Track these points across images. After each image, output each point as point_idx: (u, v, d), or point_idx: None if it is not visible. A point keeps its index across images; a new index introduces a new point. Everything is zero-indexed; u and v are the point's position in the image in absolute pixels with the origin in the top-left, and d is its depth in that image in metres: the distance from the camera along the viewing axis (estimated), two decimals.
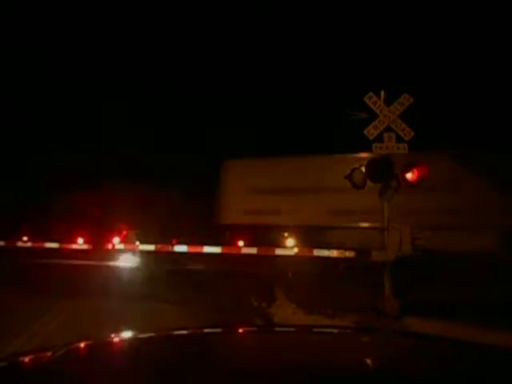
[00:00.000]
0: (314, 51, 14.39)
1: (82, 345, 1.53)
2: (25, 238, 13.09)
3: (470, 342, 1.75)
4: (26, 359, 1.44)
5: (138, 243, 12.33)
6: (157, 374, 1.18)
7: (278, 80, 14.55)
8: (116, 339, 1.68)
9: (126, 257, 12.13)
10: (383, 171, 7.13)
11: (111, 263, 11.94)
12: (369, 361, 1.41)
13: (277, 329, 2.39)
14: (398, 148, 7.18)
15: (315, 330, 2.11)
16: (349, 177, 7.36)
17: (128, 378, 1.17)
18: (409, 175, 7.02)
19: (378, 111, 7.26)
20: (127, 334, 1.74)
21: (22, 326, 5.66)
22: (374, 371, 1.28)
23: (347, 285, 8.25)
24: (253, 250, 11.13)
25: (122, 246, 12.37)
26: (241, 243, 11.64)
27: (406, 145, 7.18)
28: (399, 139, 7.21)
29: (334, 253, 10.59)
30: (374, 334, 1.99)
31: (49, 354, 1.40)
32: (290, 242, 11.50)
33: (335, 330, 2.08)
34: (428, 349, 1.56)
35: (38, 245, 12.79)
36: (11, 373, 1.26)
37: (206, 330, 1.88)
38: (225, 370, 1.23)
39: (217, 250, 11.36)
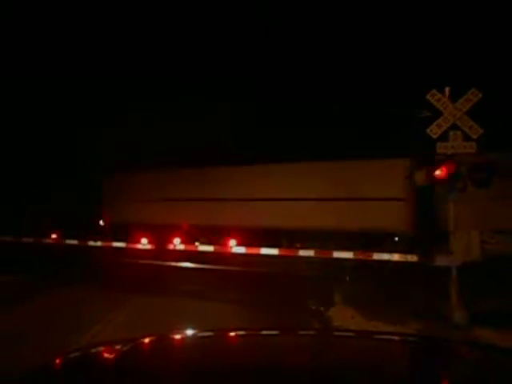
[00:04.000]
0: (373, 49, 13.98)
1: (149, 340, 1.62)
2: (96, 238, 14.01)
3: None
4: (98, 351, 1.55)
5: (197, 244, 12.72)
6: (216, 371, 1.22)
7: (329, 78, 14.28)
8: (178, 336, 1.75)
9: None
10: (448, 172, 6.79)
11: (173, 263, 12.42)
12: (431, 372, 1.35)
13: (335, 333, 2.35)
14: (465, 147, 6.78)
15: (375, 336, 2.05)
16: (409, 177, 7.09)
17: (189, 373, 1.22)
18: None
19: (442, 109, 6.91)
20: (189, 332, 1.81)
21: (95, 318, 6.09)
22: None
23: (411, 290, 7.91)
24: (310, 253, 11.05)
25: (182, 247, 12.82)
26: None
27: (473, 143, 6.76)
28: (466, 138, 6.80)
29: (395, 256, 10.21)
30: (439, 343, 1.89)
31: (118, 346, 1.50)
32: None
33: (396, 338, 1.99)
34: (499, 363, 1.46)
35: (106, 244, 13.64)
36: (85, 363, 1.37)
37: (265, 332, 1.90)
38: (283, 372, 1.24)
39: (274, 251, 11.41)
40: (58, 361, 1.37)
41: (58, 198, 14.15)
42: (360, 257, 10.67)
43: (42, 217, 14.10)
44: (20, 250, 13.32)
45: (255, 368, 1.26)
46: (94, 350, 1.55)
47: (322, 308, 7.56)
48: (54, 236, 14.47)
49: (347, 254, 10.84)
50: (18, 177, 15.75)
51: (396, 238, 11.45)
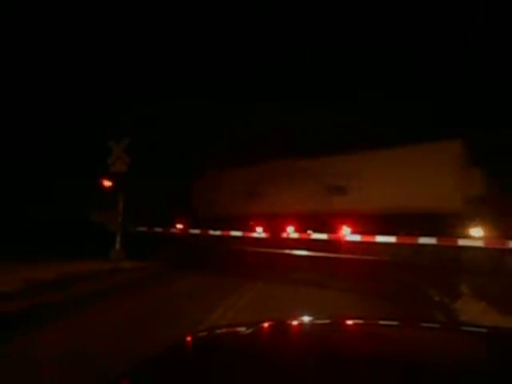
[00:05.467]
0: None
1: (270, 324, 1.70)
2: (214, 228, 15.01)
3: None
4: (223, 331, 1.68)
5: (310, 232, 12.78)
6: (332, 360, 1.22)
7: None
8: (296, 322, 1.80)
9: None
10: None
11: (287, 251, 12.70)
12: None
13: (463, 328, 2.16)
14: None
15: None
16: None
17: (306, 360, 1.25)
18: None
19: None
20: (306, 318, 1.84)
21: (217, 301, 6.56)
22: None
23: None
24: (432, 240, 10.30)
25: (296, 235, 13.02)
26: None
27: None
28: None
29: None
30: None
31: (242, 329, 1.60)
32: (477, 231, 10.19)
33: None
34: None
35: (225, 233, 14.54)
36: (208, 344, 1.49)
37: (384, 322, 1.84)
38: (403, 367, 1.19)
39: (391, 239, 10.92)
40: (185, 340, 1.52)
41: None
42: (491, 245, 9.61)
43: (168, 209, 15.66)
44: (152, 239, 14.94)
45: (373, 359, 1.24)
46: (217, 332, 1.68)
47: (446, 299, 7.01)
48: (179, 226, 15.90)
49: (475, 242, 9.86)
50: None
51: None
